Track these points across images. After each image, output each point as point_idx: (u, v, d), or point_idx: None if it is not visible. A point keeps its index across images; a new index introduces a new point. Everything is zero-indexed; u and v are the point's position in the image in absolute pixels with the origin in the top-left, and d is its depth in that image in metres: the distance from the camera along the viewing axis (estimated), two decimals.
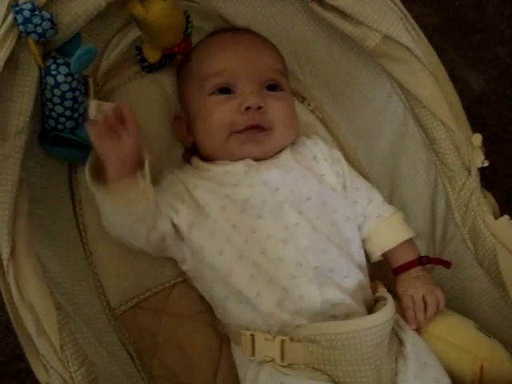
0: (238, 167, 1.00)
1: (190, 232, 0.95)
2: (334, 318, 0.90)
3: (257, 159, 1.01)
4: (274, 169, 1.00)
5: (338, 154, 1.10)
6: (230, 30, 1.08)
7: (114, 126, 0.87)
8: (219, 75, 1.01)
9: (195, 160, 1.07)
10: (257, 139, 1.00)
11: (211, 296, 0.99)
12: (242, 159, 1.01)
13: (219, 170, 1.02)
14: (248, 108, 0.98)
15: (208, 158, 1.05)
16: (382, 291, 0.98)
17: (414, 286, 0.99)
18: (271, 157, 1.03)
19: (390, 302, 0.91)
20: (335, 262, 0.94)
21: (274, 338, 0.87)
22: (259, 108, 0.99)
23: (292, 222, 0.94)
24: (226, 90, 1.01)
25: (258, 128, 1.00)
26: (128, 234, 0.95)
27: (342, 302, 0.91)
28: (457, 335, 0.95)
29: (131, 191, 0.88)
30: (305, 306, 0.89)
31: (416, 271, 1.02)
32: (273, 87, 1.04)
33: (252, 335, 0.90)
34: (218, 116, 1.00)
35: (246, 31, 1.09)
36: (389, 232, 1.05)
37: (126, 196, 0.88)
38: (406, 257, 1.03)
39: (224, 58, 1.02)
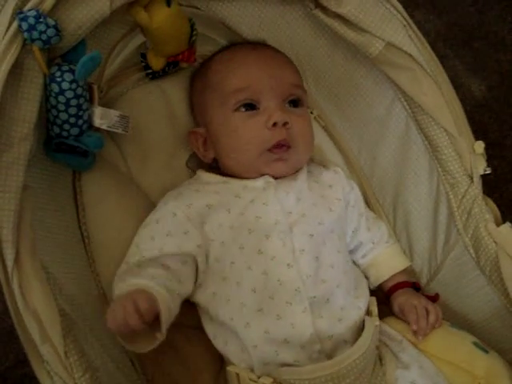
0: (257, 183, 1.01)
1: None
2: (319, 353, 0.90)
3: (277, 177, 1.02)
4: (290, 192, 1.01)
5: (354, 184, 1.14)
6: (248, 45, 1.08)
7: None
8: (243, 91, 1.01)
9: (206, 175, 1.06)
10: (285, 158, 1.01)
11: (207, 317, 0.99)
12: (262, 175, 1.01)
13: (238, 183, 1.02)
14: (275, 124, 0.98)
15: (227, 174, 1.06)
16: (371, 311, 1.00)
17: (415, 297, 1.03)
18: (289, 176, 1.04)
19: (367, 330, 0.93)
20: (333, 292, 0.95)
21: (258, 378, 0.88)
22: (285, 124, 0.99)
23: (299, 247, 0.95)
24: (250, 106, 1.01)
25: (284, 145, 1.00)
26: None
27: (330, 338, 0.91)
28: (453, 353, 0.95)
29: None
30: (294, 335, 0.90)
31: (412, 290, 1.07)
32: (294, 103, 1.05)
33: (237, 374, 0.91)
34: (247, 134, 1.00)
35: (264, 46, 1.09)
36: (397, 256, 1.13)
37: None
38: (404, 279, 1.10)
39: (248, 74, 1.02)
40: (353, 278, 1.02)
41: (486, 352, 0.95)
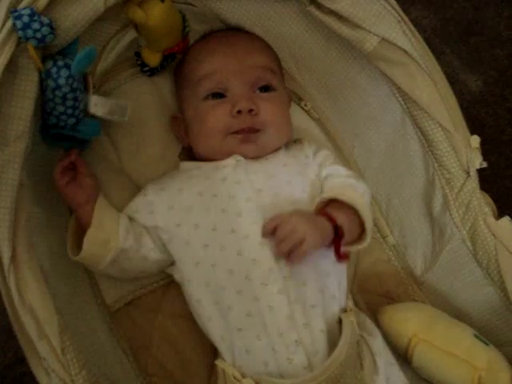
0: (228, 161, 1.01)
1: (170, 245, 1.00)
2: (297, 344, 0.89)
3: (249, 158, 1.02)
4: (261, 169, 1.01)
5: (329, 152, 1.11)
6: (221, 31, 1.10)
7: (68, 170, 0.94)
8: (209, 79, 1.02)
9: (184, 164, 1.08)
10: (252, 140, 1.01)
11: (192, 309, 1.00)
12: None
13: (210, 165, 1.03)
14: (239, 112, 0.99)
15: (201, 160, 1.07)
16: (346, 306, 0.99)
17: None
18: (261, 158, 1.04)
19: (344, 336, 0.91)
20: (309, 275, 0.94)
21: (243, 378, 0.89)
22: (250, 111, 0.99)
23: None
24: (218, 95, 1.02)
25: (250, 130, 1.01)
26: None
27: (306, 326, 0.91)
28: (455, 345, 0.96)
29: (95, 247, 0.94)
30: (271, 317, 0.90)
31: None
32: (265, 88, 1.05)
33: (223, 369, 0.92)
34: (212, 120, 1.01)
35: (237, 31, 1.10)
36: (352, 190, 0.98)
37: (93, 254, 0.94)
38: (336, 215, 0.90)
39: (214, 62, 1.03)
40: (330, 262, 0.97)
41: (487, 344, 0.96)
